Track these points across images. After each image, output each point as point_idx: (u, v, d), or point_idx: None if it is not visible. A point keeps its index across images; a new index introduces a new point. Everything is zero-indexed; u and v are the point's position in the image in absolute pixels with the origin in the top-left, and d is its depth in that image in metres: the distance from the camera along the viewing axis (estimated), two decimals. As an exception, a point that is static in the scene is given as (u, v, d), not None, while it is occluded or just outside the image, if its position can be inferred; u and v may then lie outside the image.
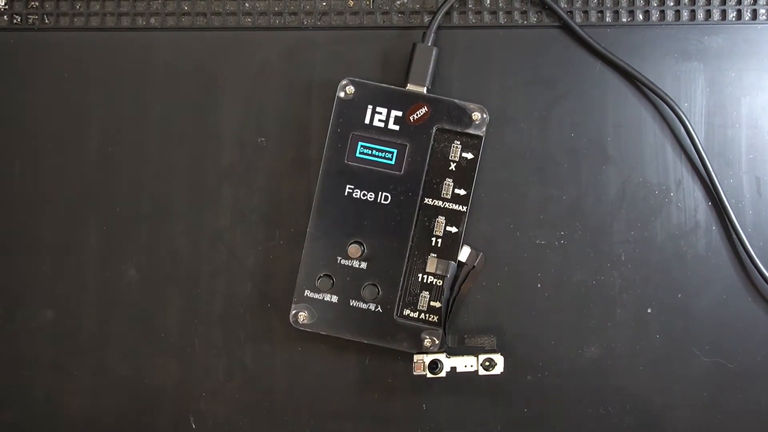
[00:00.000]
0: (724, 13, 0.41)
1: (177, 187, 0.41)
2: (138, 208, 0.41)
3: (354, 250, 0.36)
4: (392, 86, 0.37)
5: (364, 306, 0.37)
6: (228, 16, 0.41)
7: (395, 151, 0.36)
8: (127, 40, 0.41)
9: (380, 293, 0.37)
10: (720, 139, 0.41)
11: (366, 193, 0.36)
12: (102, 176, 0.41)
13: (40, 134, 0.41)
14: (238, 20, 0.41)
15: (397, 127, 0.36)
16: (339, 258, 0.37)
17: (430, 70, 0.37)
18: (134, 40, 0.41)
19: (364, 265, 0.37)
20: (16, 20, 0.42)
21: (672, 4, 0.41)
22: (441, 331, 0.37)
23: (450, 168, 0.37)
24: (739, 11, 0.41)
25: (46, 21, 0.42)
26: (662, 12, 0.41)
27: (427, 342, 0.37)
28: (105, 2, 0.42)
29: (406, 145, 0.36)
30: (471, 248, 0.38)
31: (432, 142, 0.36)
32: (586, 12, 0.41)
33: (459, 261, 0.37)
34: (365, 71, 0.40)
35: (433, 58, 0.38)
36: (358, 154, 0.36)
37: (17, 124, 0.41)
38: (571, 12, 0.41)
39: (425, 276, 0.37)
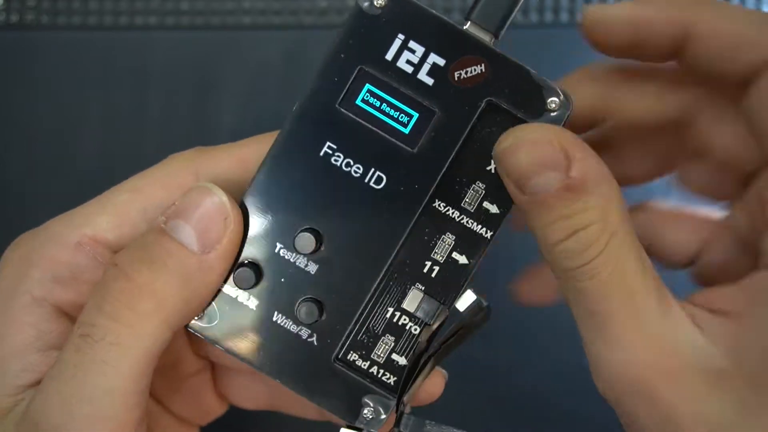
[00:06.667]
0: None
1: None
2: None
3: (305, 241, 0.24)
4: (445, 18, 0.24)
5: (292, 328, 0.24)
6: (227, 16, 0.41)
7: (416, 115, 0.24)
8: (126, 40, 0.41)
9: (322, 317, 0.24)
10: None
11: (352, 163, 0.24)
12: (100, 176, 0.41)
13: (38, 133, 0.41)
14: (237, 19, 0.41)
15: (431, 81, 0.24)
16: (278, 246, 0.24)
17: (512, 13, 0.23)
18: (132, 40, 0.41)
19: (312, 267, 0.24)
20: (14, 19, 0.42)
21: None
22: (394, 402, 0.25)
23: (488, 168, 0.24)
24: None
25: (44, 19, 0.42)
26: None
27: (367, 412, 0.24)
28: (103, 1, 0.42)
29: (435, 112, 0.24)
30: (476, 294, 0.25)
31: (476, 120, 0.24)
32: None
33: (455, 308, 0.25)
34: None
35: None
36: (359, 101, 0.24)
37: (14, 123, 0.41)
38: (572, 11, 0.41)
39: (397, 313, 0.25)
